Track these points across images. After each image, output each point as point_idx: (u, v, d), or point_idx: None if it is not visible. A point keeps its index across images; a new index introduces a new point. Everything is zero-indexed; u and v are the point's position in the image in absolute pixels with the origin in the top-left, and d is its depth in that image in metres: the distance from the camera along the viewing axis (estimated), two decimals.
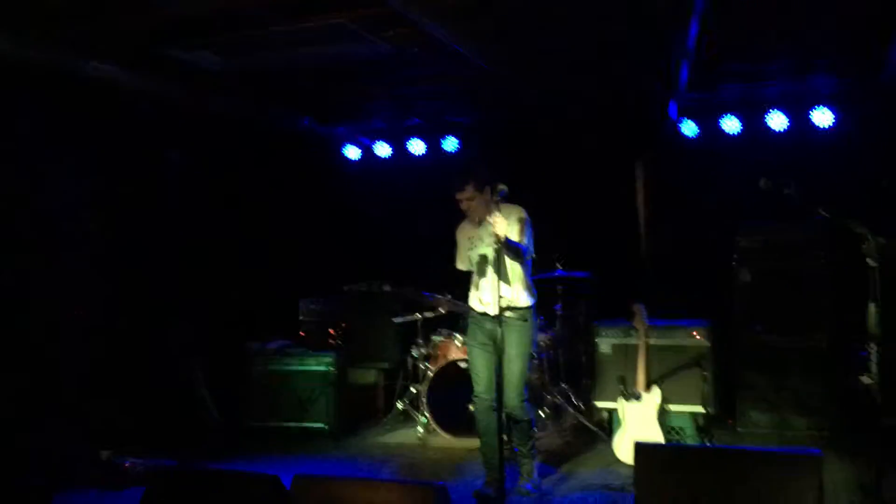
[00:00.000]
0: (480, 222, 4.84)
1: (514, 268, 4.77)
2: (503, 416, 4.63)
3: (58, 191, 5.91)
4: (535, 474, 5.01)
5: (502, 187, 4.43)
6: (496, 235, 4.34)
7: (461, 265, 5.09)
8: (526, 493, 4.87)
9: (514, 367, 4.73)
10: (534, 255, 4.91)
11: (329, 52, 5.47)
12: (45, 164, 5.80)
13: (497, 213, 4.36)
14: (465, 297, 6.30)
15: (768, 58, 6.09)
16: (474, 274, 4.96)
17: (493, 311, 4.66)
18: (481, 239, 4.86)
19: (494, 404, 4.77)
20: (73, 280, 5.98)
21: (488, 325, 4.80)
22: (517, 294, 4.80)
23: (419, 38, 5.11)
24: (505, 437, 5.12)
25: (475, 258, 4.90)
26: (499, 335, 4.49)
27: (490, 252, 4.74)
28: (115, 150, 6.28)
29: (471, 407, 5.92)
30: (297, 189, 7.98)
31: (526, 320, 4.84)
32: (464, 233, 5.04)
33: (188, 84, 6.14)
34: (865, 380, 5.55)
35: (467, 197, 4.76)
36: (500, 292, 4.35)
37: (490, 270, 4.76)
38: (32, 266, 5.65)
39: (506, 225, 4.41)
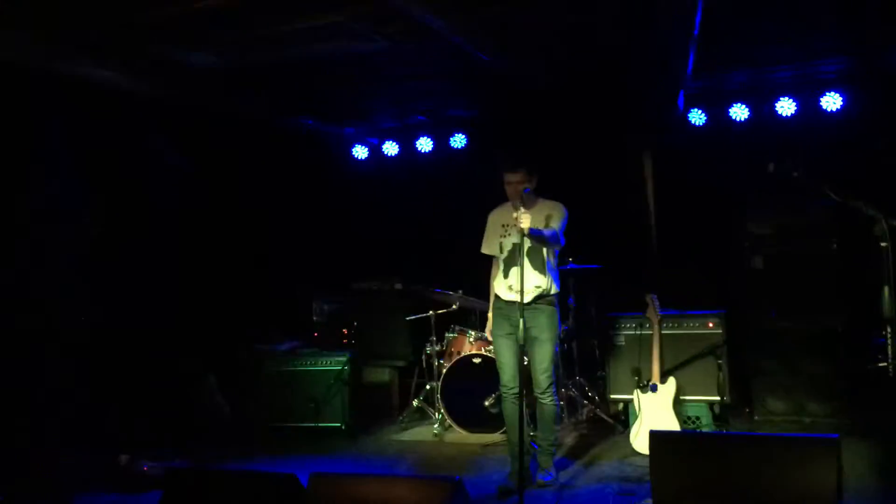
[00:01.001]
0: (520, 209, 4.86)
1: (544, 257, 4.85)
2: (525, 405, 4.79)
3: (56, 195, 5.94)
4: (553, 468, 5.01)
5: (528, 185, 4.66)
6: (521, 229, 4.42)
7: (487, 250, 5.12)
8: (543, 486, 4.88)
9: (545, 351, 4.83)
10: (562, 242, 4.93)
11: (327, 49, 5.48)
12: (45, 169, 5.84)
13: (522, 208, 4.47)
14: (477, 293, 6.32)
15: (775, 42, 6.05)
16: (502, 261, 4.98)
17: (526, 299, 4.70)
18: (516, 228, 4.83)
19: (519, 392, 4.89)
20: (80, 284, 6.02)
21: (517, 314, 4.76)
22: (548, 283, 4.88)
23: (418, 32, 5.10)
24: (531, 432, 5.19)
25: (507, 245, 4.93)
26: (530, 323, 4.66)
27: (525, 242, 4.73)
28: (118, 154, 6.32)
29: (486, 402, 5.97)
30: (307, 190, 8.00)
31: (553, 305, 4.93)
32: (498, 218, 5.07)
33: (191, 86, 6.16)
34: (882, 364, 5.56)
35: (517, 181, 4.80)
36: (533, 282, 4.56)
37: (524, 260, 4.75)
38: (36, 272, 5.69)
39: (530, 218, 4.50)
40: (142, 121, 6.38)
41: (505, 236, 4.96)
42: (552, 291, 4.91)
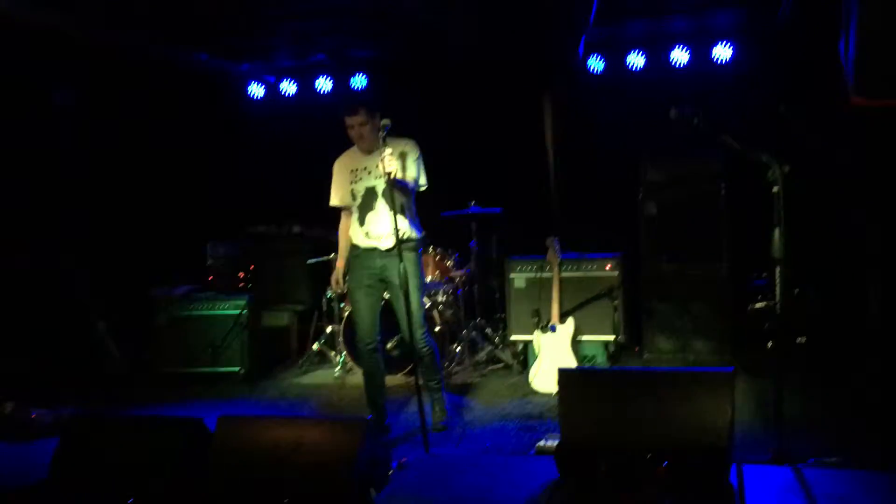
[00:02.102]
0: (369, 151, 4.70)
1: (402, 201, 4.63)
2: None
3: None
4: (447, 408, 4.99)
5: (386, 122, 4.35)
6: (386, 173, 4.29)
7: (337, 201, 4.85)
8: (444, 429, 4.87)
9: (414, 299, 4.60)
10: (425, 186, 4.80)
11: None
12: None
13: (386, 150, 4.31)
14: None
15: None
16: (356, 208, 4.75)
17: (386, 244, 4.63)
18: (367, 171, 4.68)
19: (378, 346, 4.83)
20: None
21: (377, 262, 4.69)
22: (408, 227, 4.68)
23: None
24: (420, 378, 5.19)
25: (360, 191, 4.71)
26: (393, 270, 4.51)
27: (380, 184, 4.62)
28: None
29: (388, 345, 5.97)
30: (200, 129, 7.68)
31: (416, 251, 4.77)
32: (346, 164, 4.82)
33: (76, 14, 5.76)
34: (760, 305, 5.91)
35: (358, 122, 4.60)
36: (395, 225, 4.31)
37: (380, 204, 4.65)
38: None
39: (397, 163, 4.39)
40: (23, 57, 5.95)
41: (356, 182, 4.72)
42: (413, 236, 4.74)
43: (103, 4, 5.67)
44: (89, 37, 6.11)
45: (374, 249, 4.70)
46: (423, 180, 4.77)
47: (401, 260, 4.31)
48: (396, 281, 4.54)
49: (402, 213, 4.59)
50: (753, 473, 3.15)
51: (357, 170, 4.74)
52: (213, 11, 6.21)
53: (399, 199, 4.54)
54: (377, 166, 4.56)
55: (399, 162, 4.56)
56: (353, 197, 4.75)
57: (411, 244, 4.70)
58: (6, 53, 5.81)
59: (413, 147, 4.71)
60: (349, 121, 4.63)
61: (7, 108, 6.01)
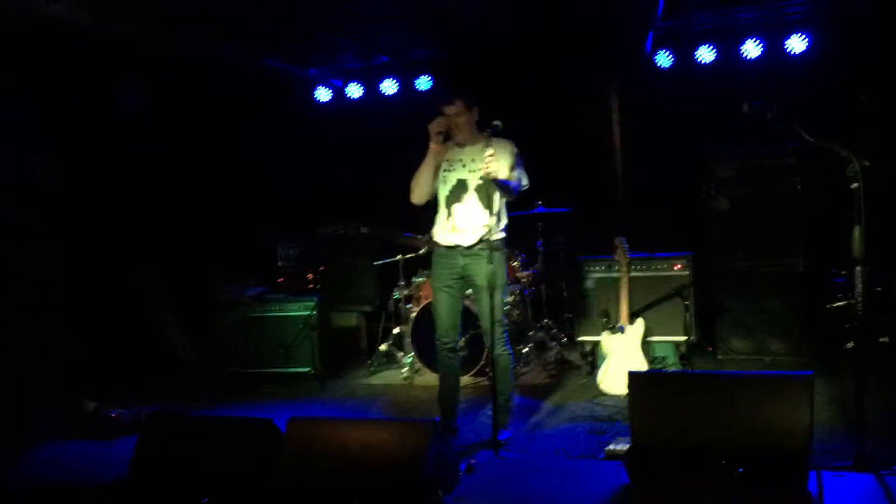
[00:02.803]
0: (463, 144, 4.60)
1: (501, 200, 4.53)
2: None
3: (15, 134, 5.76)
4: (511, 425, 4.80)
5: (496, 123, 4.27)
6: (489, 174, 4.22)
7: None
8: (507, 442, 4.60)
9: (497, 298, 4.47)
10: (527, 185, 4.68)
11: None
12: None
13: (488, 150, 4.22)
14: None
15: None
16: (444, 199, 4.62)
17: (469, 240, 4.54)
18: (462, 163, 4.58)
19: (456, 346, 4.77)
20: (36, 228, 5.88)
21: (460, 260, 4.58)
22: (497, 225, 4.54)
23: None
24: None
25: (451, 180, 4.58)
26: (475, 269, 4.47)
27: (472, 178, 4.53)
28: (72, 93, 6.12)
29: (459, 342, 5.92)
30: (269, 132, 7.83)
31: (502, 251, 4.63)
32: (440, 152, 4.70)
33: (150, 23, 5.94)
34: (840, 303, 5.69)
35: (454, 112, 4.49)
36: (480, 220, 4.29)
37: (470, 197, 4.54)
38: None
39: (498, 164, 4.31)
40: (97, 60, 6.15)
41: (449, 170, 4.58)
42: (499, 235, 4.56)
43: (177, 15, 5.83)
44: (156, 42, 6.27)
45: (457, 247, 4.58)
46: (525, 180, 4.65)
47: (490, 261, 4.25)
48: (478, 281, 4.51)
49: (495, 211, 4.44)
50: (834, 481, 3.05)
51: (451, 160, 4.62)
52: (281, 18, 6.33)
53: (499, 197, 4.45)
54: (472, 160, 4.51)
55: (504, 162, 4.46)
56: (443, 182, 4.62)
57: (493, 243, 4.47)
58: (77, 58, 6.01)
59: (513, 147, 4.59)
60: (446, 111, 4.52)
61: (80, 110, 6.23)
